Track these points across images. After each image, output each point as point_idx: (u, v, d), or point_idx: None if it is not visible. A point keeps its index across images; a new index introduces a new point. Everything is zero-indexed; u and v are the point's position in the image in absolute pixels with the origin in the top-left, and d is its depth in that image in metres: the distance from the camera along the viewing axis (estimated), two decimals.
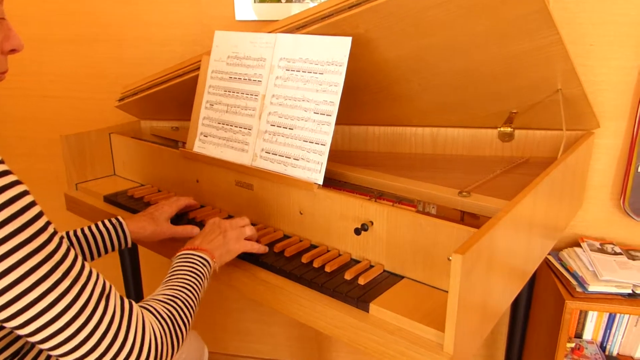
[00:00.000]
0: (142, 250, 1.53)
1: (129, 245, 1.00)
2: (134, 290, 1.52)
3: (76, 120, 1.76)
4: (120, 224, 0.98)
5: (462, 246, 0.66)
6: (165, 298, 0.71)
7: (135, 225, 1.00)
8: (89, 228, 0.97)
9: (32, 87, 1.76)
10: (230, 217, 1.14)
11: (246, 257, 0.95)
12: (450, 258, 0.81)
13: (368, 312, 0.79)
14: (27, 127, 1.81)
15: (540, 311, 1.34)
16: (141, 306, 0.67)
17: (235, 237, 0.91)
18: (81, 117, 1.76)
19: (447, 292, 0.82)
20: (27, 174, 1.86)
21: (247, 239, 0.94)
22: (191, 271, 0.79)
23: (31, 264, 0.53)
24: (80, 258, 0.60)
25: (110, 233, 0.97)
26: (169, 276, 0.78)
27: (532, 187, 0.86)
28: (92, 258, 0.97)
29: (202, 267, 0.81)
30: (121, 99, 1.43)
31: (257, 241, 0.97)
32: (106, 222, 0.98)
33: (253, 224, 1.09)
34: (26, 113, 1.80)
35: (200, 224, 1.10)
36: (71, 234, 0.95)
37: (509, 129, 1.23)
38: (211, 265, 0.84)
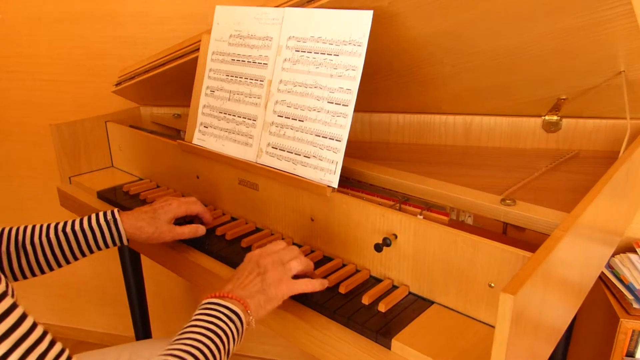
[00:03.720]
0: None
1: (125, 243, 0.88)
2: (135, 287, 1.41)
3: (75, 105, 1.64)
4: (115, 221, 0.87)
5: (513, 282, 0.51)
6: None
7: (131, 224, 0.88)
8: (80, 224, 0.86)
9: (27, 69, 1.64)
10: (257, 229, 0.96)
11: None
12: (492, 285, 0.66)
13: (390, 349, 0.65)
14: (25, 112, 1.70)
15: (585, 327, 1.18)
16: None
17: (277, 279, 0.70)
18: (80, 102, 1.64)
19: (486, 324, 0.68)
20: (26, 162, 1.76)
21: (298, 275, 0.74)
22: (211, 330, 0.62)
23: None
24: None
25: (103, 231, 0.86)
26: (182, 333, 0.62)
27: (594, 194, 0.70)
28: (83, 254, 0.87)
29: (228, 324, 0.63)
30: (118, 84, 1.30)
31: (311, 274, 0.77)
32: (100, 218, 0.87)
33: (258, 229, 0.96)
34: (22, 97, 1.69)
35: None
36: (59, 228, 0.85)
37: (555, 118, 1.07)
38: (243, 319, 0.65)
